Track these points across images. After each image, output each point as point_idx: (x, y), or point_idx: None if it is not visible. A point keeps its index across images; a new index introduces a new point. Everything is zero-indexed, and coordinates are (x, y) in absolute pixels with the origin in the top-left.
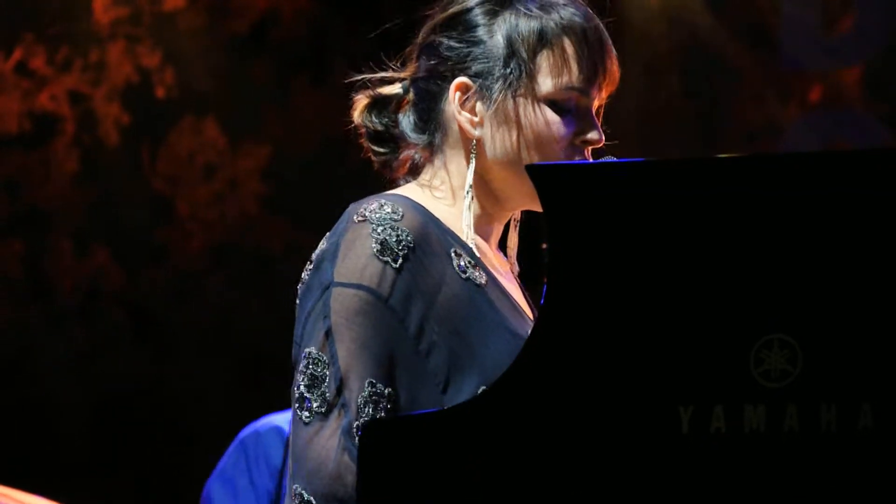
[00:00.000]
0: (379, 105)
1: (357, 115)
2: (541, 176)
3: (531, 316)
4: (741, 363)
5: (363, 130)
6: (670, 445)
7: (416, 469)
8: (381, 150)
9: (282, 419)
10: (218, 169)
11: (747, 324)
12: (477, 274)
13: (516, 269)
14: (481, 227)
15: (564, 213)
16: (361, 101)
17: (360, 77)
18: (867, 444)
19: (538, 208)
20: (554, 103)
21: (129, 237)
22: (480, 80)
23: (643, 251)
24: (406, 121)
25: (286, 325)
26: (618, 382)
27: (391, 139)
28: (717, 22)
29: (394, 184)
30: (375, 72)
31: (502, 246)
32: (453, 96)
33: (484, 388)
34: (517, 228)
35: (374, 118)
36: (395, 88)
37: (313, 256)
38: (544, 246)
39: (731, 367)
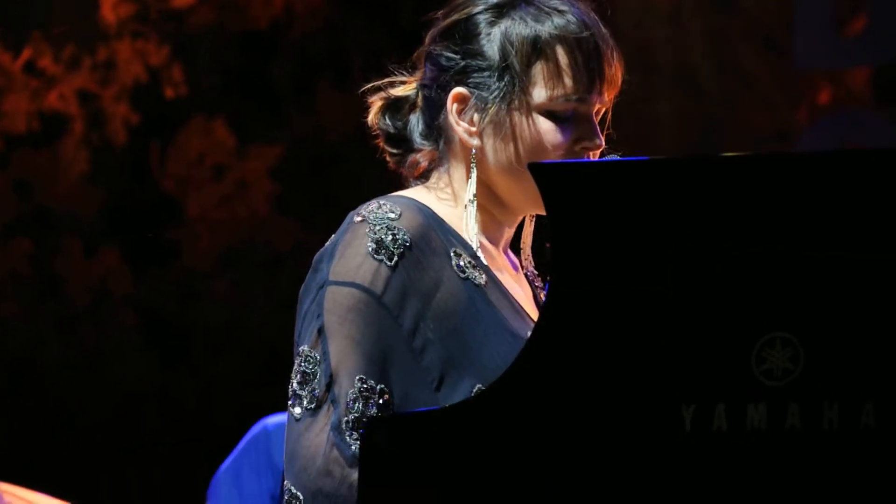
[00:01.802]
0: (393, 107)
1: (372, 117)
2: (543, 175)
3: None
4: (743, 361)
5: (378, 132)
6: (672, 444)
7: (418, 466)
8: (396, 150)
9: None
10: (227, 170)
11: (749, 322)
12: (476, 274)
13: (531, 262)
14: (489, 232)
15: (567, 212)
16: (376, 103)
17: (372, 84)
18: (869, 442)
19: (544, 212)
20: (550, 112)
21: (138, 237)
22: (477, 91)
23: (645, 250)
24: (414, 126)
25: (294, 325)
26: (620, 381)
27: (405, 140)
28: (727, 24)
29: (405, 185)
30: (392, 71)
31: (515, 247)
32: (451, 107)
33: (480, 387)
34: (532, 222)
35: (388, 120)
36: (409, 90)
37: (315, 257)
38: (548, 245)
39: (732, 365)
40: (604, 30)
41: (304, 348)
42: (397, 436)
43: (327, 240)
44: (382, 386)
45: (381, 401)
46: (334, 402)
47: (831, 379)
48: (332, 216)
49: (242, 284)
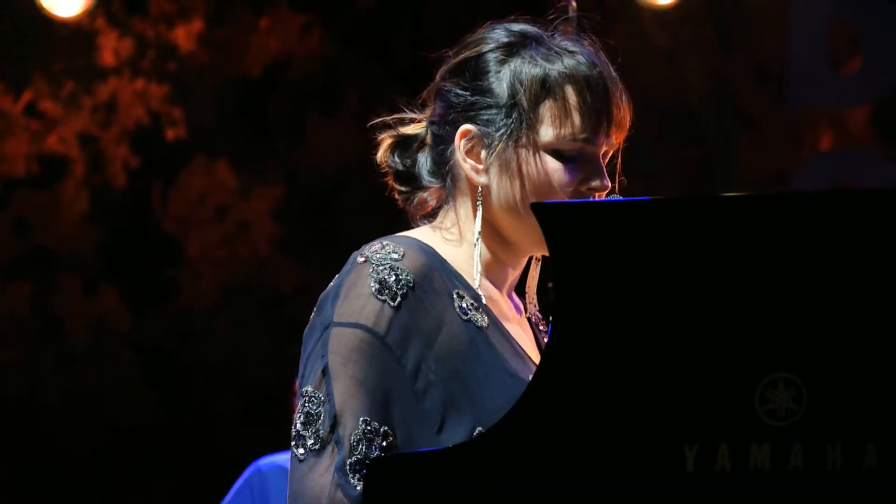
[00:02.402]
0: (402, 145)
1: (381, 155)
2: (545, 214)
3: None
4: (746, 402)
5: (387, 169)
6: (675, 484)
7: None
8: (405, 188)
9: (285, 458)
10: (229, 210)
11: (752, 362)
12: (479, 316)
13: (535, 306)
14: (493, 273)
15: (569, 252)
16: (385, 140)
17: (381, 119)
18: (872, 483)
19: (547, 253)
20: (557, 152)
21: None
22: (485, 129)
23: (648, 290)
24: (423, 163)
25: (294, 366)
26: (622, 420)
27: (414, 178)
28: (726, 64)
29: (412, 225)
30: (402, 108)
31: (521, 290)
32: (458, 143)
33: (480, 430)
34: (539, 265)
35: (396, 158)
36: (418, 129)
37: (319, 299)
38: (550, 285)
39: (736, 405)
40: (613, 72)
41: (309, 389)
42: (399, 477)
43: (327, 280)
44: (386, 428)
45: (384, 443)
46: (338, 443)
47: (834, 419)
48: (331, 257)
49: (241, 324)
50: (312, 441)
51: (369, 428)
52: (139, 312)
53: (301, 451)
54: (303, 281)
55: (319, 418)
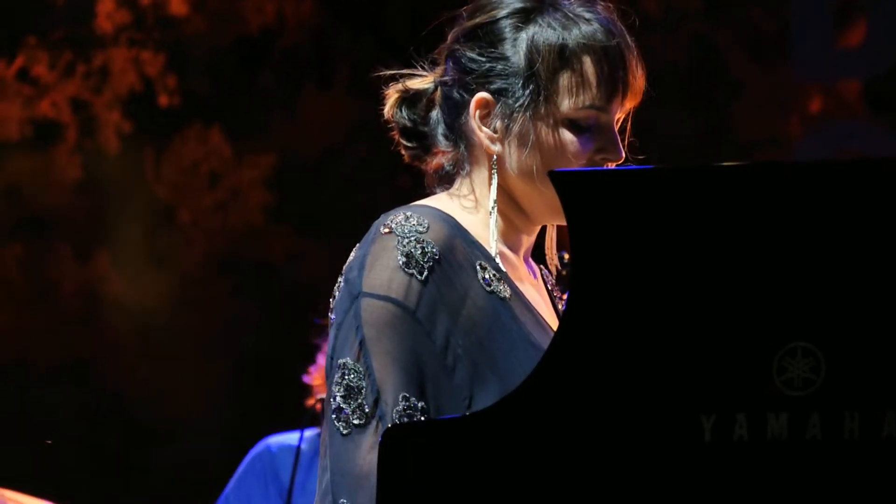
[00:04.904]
0: (409, 100)
1: (388, 109)
2: (563, 182)
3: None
4: (764, 371)
5: (393, 124)
6: (692, 454)
7: (434, 475)
8: (411, 145)
9: (293, 438)
10: (222, 178)
11: (770, 332)
12: (502, 287)
13: (557, 267)
14: (510, 239)
15: (586, 220)
16: (392, 95)
17: (390, 72)
18: (891, 453)
19: (563, 222)
20: (573, 122)
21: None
22: (502, 98)
23: (665, 258)
24: (436, 124)
25: (288, 333)
26: (639, 390)
27: (421, 135)
28: (723, 33)
29: (429, 192)
30: (413, 63)
31: (537, 254)
32: (474, 112)
33: None
34: (555, 227)
35: (403, 113)
36: (426, 84)
37: (343, 270)
38: (566, 254)
39: (753, 375)
40: (629, 39)
41: (348, 360)
42: (416, 444)
43: (321, 247)
44: (423, 404)
45: (423, 418)
46: (382, 419)
47: (853, 389)
48: (324, 224)
49: (235, 291)
50: (357, 415)
51: (408, 404)
52: (132, 280)
53: (342, 424)
54: (296, 249)
55: (361, 392)
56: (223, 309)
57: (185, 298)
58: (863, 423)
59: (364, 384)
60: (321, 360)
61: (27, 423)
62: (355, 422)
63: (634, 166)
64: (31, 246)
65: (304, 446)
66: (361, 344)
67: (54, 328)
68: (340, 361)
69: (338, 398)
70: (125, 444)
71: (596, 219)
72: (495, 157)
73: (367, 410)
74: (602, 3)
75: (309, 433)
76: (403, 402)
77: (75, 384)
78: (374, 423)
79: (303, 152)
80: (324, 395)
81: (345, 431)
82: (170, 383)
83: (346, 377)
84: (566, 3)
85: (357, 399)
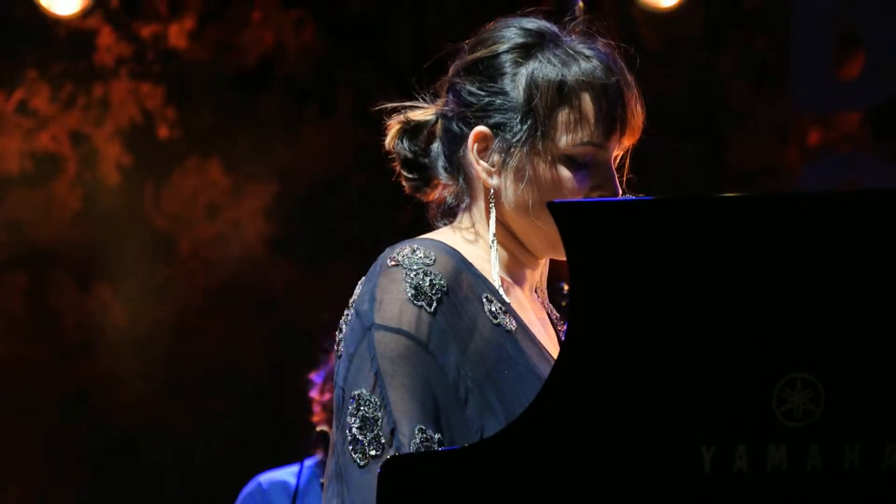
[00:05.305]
0: (411, 132)
1: (389, 140)
2: (562, 213)
3: None
4: (764, 402)
5: (395, 155)
6: (692, 485)
7: None
8: (412, 176)
9: (286, 474)
10: (221, 209)
11: (770, 363)
12: (507, 320)
13: (547, 302)
14: (513, 272)
15: (585, 251)
16: (394, 126)
17: (391, 105)
18: (890, 484)
19: (561, 257)
20: (570, 158)
21: (131, 276)
22: (500, 133)
23: (664, 289)
24: (436, 156)
25: (286, 364)
26: (639, 421)
27: (421, 167)
28: (723, 64)
29: (432, 226)
30: (414, 95)
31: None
32: (472, 145)
33: None
34: (546, 262)
35: (405, 144)
36: (427, 115)
37: (351, 303)
38: (565, 287)
39: (753, 406)
40: (629, 76)
41: (363, 392)
42: (415, 475)
43: (319, 279)
44: (439, 436)
45: (439, 451)
46: (399, 450)
47: (852, 420)
48: (323, 256)
49: (234, 322)
50: (373, 447)
51: (425, 436)
52: (133, 311)
53: (359, 456)
54: (294, 281)
55: (377, 423)
56: (223, 339)
57: (185, 328)
58: (862, 454)
59: (380, 415)
60: (314, 394)
61: (29, 453)
62: (372, 453)
63: (633, 197)
64: (33, 278)
65: (294, 480)
66: (377, 375)
67: (56, 358)
68: (355, 393)
69: (353, 429)
70: (127, 475)
71: (595, 249)
72: (492, 190)
73: (383, 441)
74: (603, 40)
75: (309, 463)
76: (420, 435)
77: (78, 414)
78: (390, 454)
79: (303, 182)
80: (323, 427)
81: (362, 463)
82: (170, 413)
83: (362, 408)
84: (567, 39)
85: (373, 430)
